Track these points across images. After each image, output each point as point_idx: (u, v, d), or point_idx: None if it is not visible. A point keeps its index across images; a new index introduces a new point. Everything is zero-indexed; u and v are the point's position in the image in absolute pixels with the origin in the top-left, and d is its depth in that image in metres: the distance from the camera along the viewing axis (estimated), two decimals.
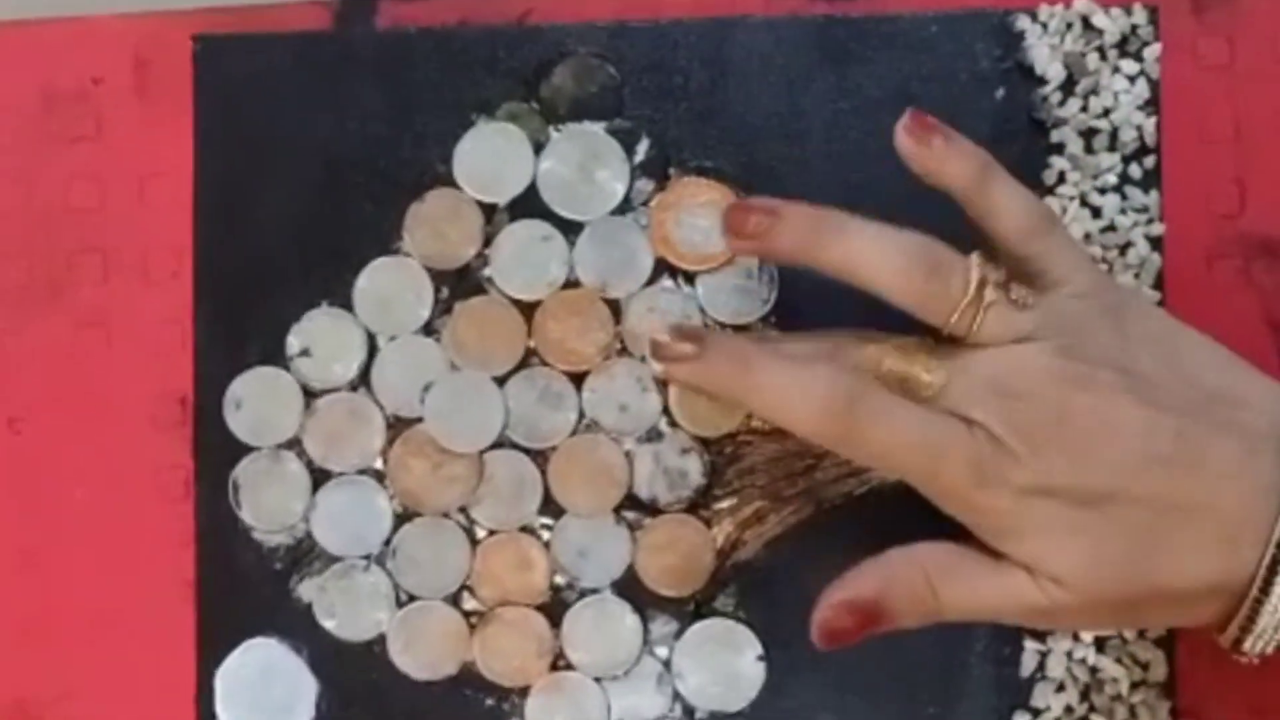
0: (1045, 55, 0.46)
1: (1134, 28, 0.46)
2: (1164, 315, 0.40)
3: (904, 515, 0.45)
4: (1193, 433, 0.36)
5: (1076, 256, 0.39)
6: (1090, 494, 0.36)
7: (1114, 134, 0.45)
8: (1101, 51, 0.46)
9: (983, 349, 0.38)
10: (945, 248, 0.38)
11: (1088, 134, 0.45)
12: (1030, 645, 0.45)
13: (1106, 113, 0.46)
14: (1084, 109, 0.46)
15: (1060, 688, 0.45)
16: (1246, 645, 0.37)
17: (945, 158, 0.39)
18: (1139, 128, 0.45)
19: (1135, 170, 0.45)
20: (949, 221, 0.45)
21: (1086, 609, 0.37)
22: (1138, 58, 0.46)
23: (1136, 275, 0.45)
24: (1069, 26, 0.46)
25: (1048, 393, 0.37)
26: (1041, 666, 0.45)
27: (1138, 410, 0.36)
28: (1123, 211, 0.45)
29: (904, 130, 0.39)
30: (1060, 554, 0.37)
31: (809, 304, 0.45)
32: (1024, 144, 0.46)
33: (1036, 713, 0.45)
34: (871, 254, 0.38)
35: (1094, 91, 0.46)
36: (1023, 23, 0.46)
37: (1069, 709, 0.45)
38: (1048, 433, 0.37)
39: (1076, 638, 0.45)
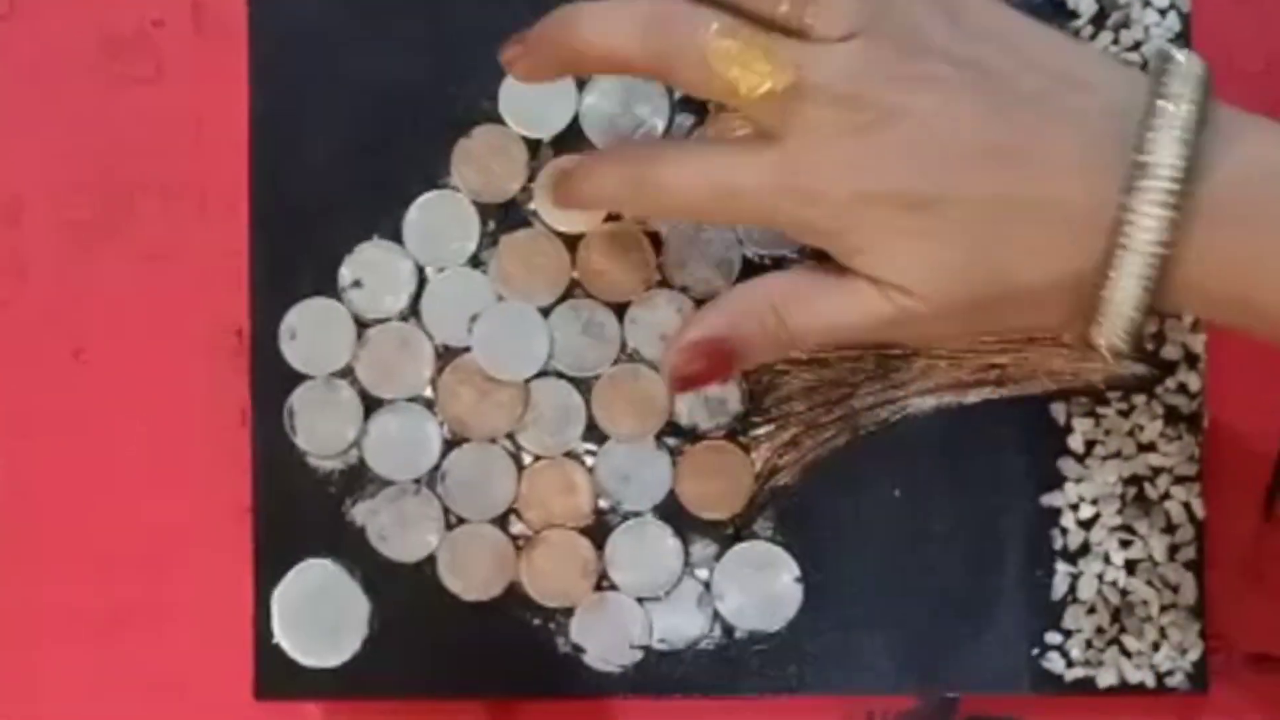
0: None
1: None
2: (1003, 4, 0.37)
3: (937, 440, 0.47)
4: (1027, 121, 0.35)
5: None
6: (923, 196, 0.35)
7: (1144, 67, 0.46)
8: None
9: (816, 48, 0.35)
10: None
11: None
12: (1062, 568, 0.46)
13: (1137, 45, 0.46)
14: (1115, 42, 0.46)
15: (1091, 610, 0.46)
16: (1094, 338, 0.36)
17: None
18: None
19: None
20: None
21: (938, 315, 0.36)
22: None
23: None
24: None
25: (882, 95, 0.35)
26: (1073, 589, 0.46)
27: (971, 104, 0.35)
28: None
29: None
30: (901, 260, 0.35)
31: None
32: None
33: (1068, 634, 0.46)
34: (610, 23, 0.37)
35: (1125, 25, 0.46)
36: None
37: (1100, 630, 0.46)
38: (878, 135, 0.35)
39: (1108, 560, 0.46)
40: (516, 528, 0.47)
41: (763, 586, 0.47)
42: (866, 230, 0.36)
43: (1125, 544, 0.46)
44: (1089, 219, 0.34)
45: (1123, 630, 0.46)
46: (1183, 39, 0.46)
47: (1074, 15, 0.46)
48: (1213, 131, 0.34)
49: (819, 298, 0.37)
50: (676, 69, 0.36)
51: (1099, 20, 0.46)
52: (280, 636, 0.47)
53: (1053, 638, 0.46)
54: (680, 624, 0.47)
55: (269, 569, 0.47)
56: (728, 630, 0.47)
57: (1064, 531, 0.46)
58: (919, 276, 0.35)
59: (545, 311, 0.47)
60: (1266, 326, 0.35)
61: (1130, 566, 0.46)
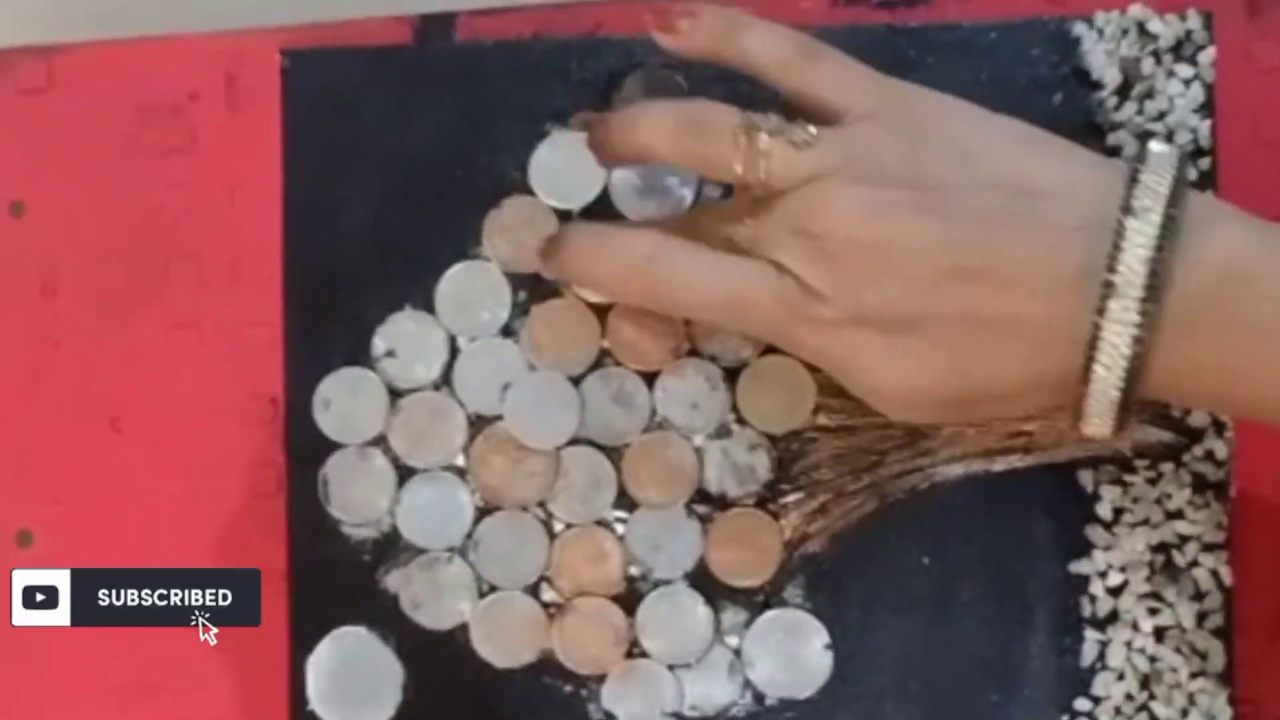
0: (1101, 60, 0.47)
1: (1189, 32, 0.47)
2: (963, 112, 0.39)
3: (965, 507, 0.47)
4: (991, 240, 0.35)
5: (855, 78, 0.39)
6: (899, 320, 0.36)
7: (1169, 137, 0.46)
8: (1157, 56, 0.47)
9: (780, 194, 0.38)
10: (712, 106, 0.39)
11: (1143, 137, 0.46)
12: (1090, 635, 0.46)
13: (1162, 116, 0.47)
14: (1140, 113, 0.47)
15: (1120, 676, 0.46)
16: (1085, 429, 0.37)
17: (693, 32, 0.40)
18: (1194, 130, 0.46)
19: (1191, 172, 0.46)
20: None
21: (921, 415, 0.39)
22: (1192, 62, 0.47)
23: None
24: (1124, 32, 0.47)
25: (842, 226, 0.36)
26: (1102, 656, 0.46)
27: (933, 227, 0.36)
28: None
29: (654, 29, 0.40)
30: (885, 376, 0.37)
31: None
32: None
33: (1097, 700, 0.46)
34: (643, 131, 0.39)
35: (1149, 95, 0.47)
36: (1079, 29, 0.47)
37: (1129, 697, 0.46)
38: (846, 265, 0.36)
39: (1136, 627, 0.46)
40: (548, 595, 0.47)
41: (793, 654, 0.47)
42: (853, 350, 0.38)
43: (1153, 611, 0.46)
44: (1061, 334, 0.35)
45: (1152, 697, 0.46)
46: (1206, 109, 0.46)
47: (1099, 86, 0.47)
48: (1184, 235, 0.34)
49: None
50: (714, 170, 0.40)
51: (1123, 91, 0.47)
52: (315, 703, 0.47)
53: (1082, 704, 0.46)
54: (711, 691, 0.47)
55: (304, 636, 0.48)
56: (758, 697, 0.47)
57: (1092, 599, 0.46)
58: (901, 389, 0.37)
59: (576, 380, 0.47)
60: (1251, 415, 0.36)
61: (1159, 633, 0.46)
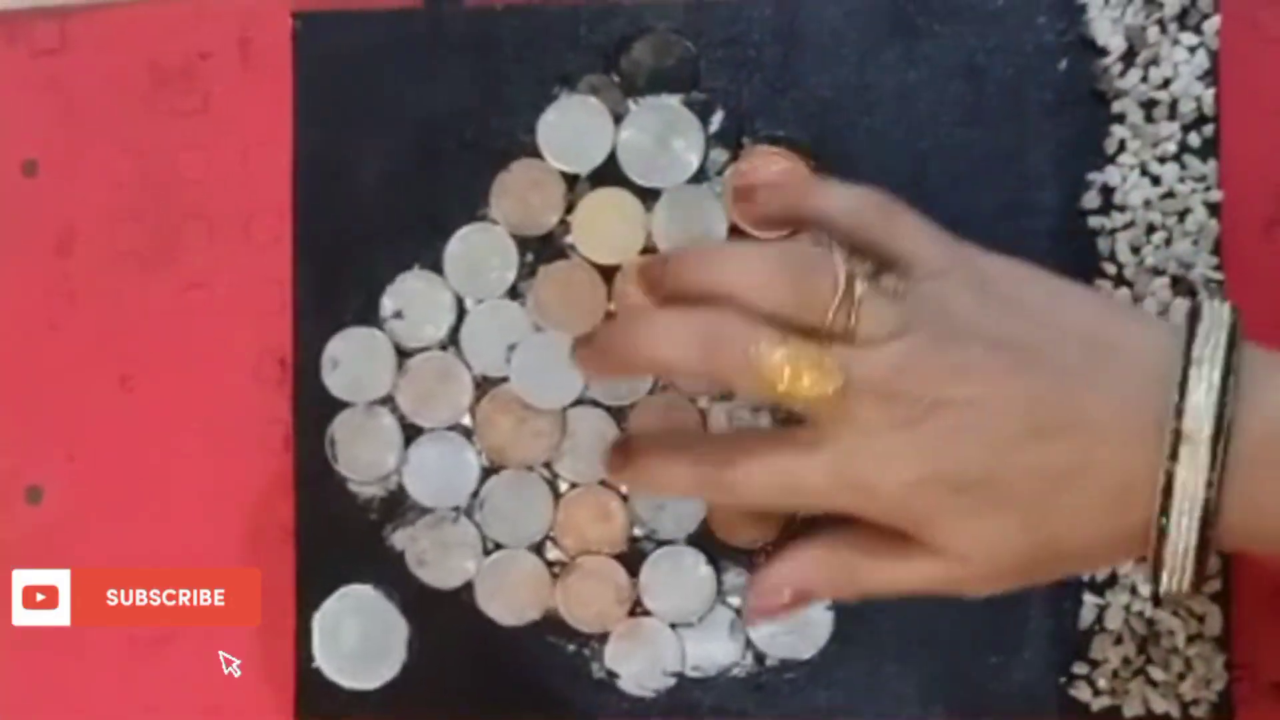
0: (1107, 28, 0.47)
1: (1194, 1, 0.47)
2: (1026, 272, 0.38)
3: None
4: (1066, 396, 0.36)
5: (924, 235, 0.38)
6: (970, 480, 0.36)
7: (1173, 104, 0.47)
8: (1162, 24, 0.47)
9: (862, 351, 0.36)
10: (810, 248, 0.38)
11: (1148, 104, 0.47)
12: (1089, 599, 0.47)
13: (1166, 83, 0.47)
14: (1144, 80, 0.47)
15: (1118, 640, 0.47)
16: (1165, 585, 0.37)
17: (767, 201, 0.41)
18: (1198, 98, 0.47)
19: (1194, 139, 0.47)
20: (1013, 186, 0.47)
21: (992, 578, 0.38)
22: (1197, 30, 0.47)
23: (1195, 242, 0.46)
24: (1130, 0, 0.47)
25: (925, 389, 0.36)
26: (1100, 619, 0.47)
27: (1010, 387, 0.36)
28: (1181, 179, 0.47)
29: (735, 202, 0.41)
30: (959, 536, 0.37)
31: None
32: (1086, 114, 0.47)
33: (1094, 664, 0.47)
34: (738, 273, 0.38)
35: (1154, 63, 0.47)
36: None
37: (1126, 661, 0.47)
38: (929, 426, 0.36)
39: (1134, 591, 0.46)
40: (553, 554, 0.48)
41: (794, 614, 0.47)
42: (920, 513, 0.37)
43: None
44: (1135, 484, 0.35)
45: (1149, 660, 0.47)
46: (1210, 76, 0.47)
47: (1104, 53, 0.47)
48: (1245, 381, 0.35)
49: (884, 561, 0.38)
50: (731, 379, 0.38)
51: (1128, 58, 0.47)
52: (320, 660, 0.48)
53: (1080, 667, 0.47)
54: (713, 650, 0.48)
55: (310, 592, 0.48)
56: (759, 657, 0.48)
57: None
58: (975, 549, 0.37)
59: None
60: None
61: (1156, 597, 0.46)
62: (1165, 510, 0.35)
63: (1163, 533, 0.35)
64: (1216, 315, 0.36)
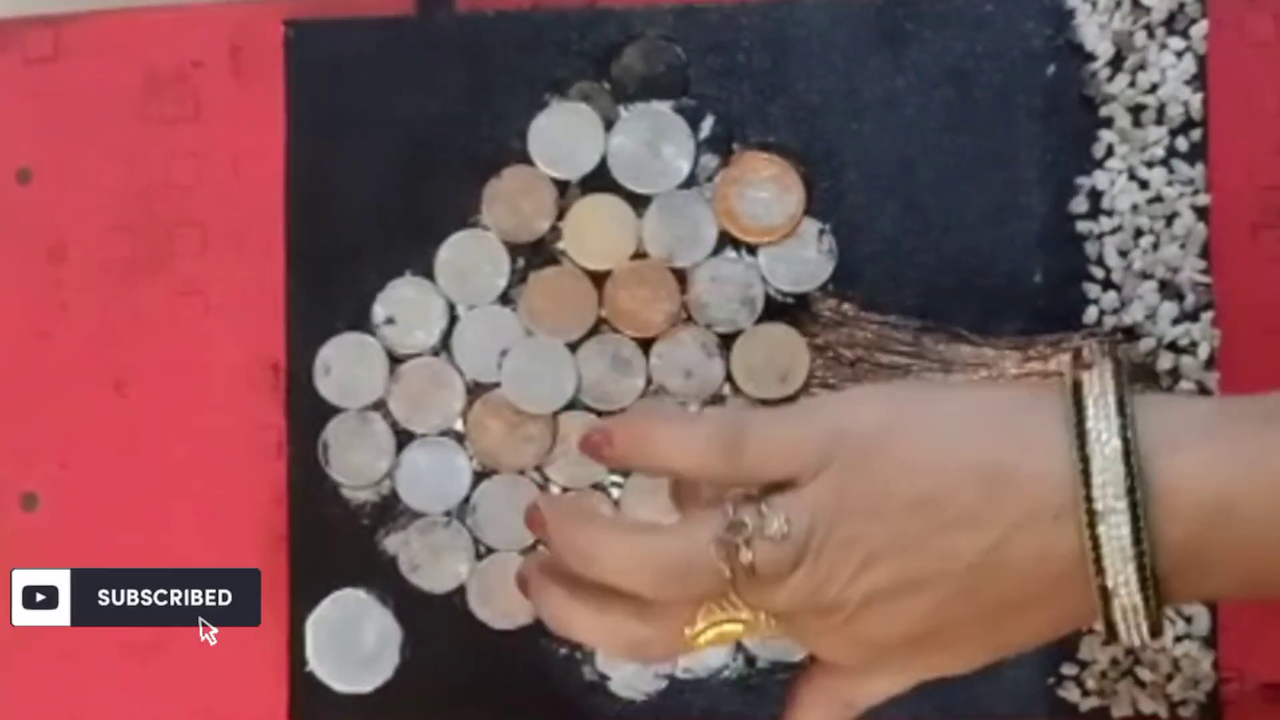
0: (1095, 33, 0.47)
1: (1181, 5, 0.47)
2: (906, 414, 0.37)
3: None
4: (985, 555, 0.36)
5: (785, 446, 0.37)
6: (921, 634, 0.37)
7: (1161, 109, 0.47)
8: (1149, 29, 0.47)
9: (773, 588, 0.37)
10: (685, 547, 0.37)
11: (1136, 109, 0.47)
12: None
13: (1154, 88, 0.47)
14: (1132, 85, 0.47)
15: (1106, 641, 0.47)
16: (1124, 642, 0.37)
17: (610, 455, 0.39)
18: (1185, 103, 0.47)
19: (1182, 143, 0.47)
20: (1001, 191, 0.47)
21: (964, 669, 0.38)
22: (1184, 35, 0.47)
23: (1183, 246, 0.47)
24: (1118, 5, 0.47)
25: (848, 593, 0.36)
26: None
27: (925, 553, 0.36)
28: (1169, 183, 0.47)
29: (582, 451, 0.39)
30: (919, 665, 0.38)
31: (867, 274, 0.47)
32: (1074, 119, 0.47)
33: (1084, 665, 0.47)
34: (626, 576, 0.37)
35: (1142, 67, 0.47)
36: (1073, 1, 0.47)
37: (1114, 661, 0.47)
38: (865, 618, 0.37)
39: None
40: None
41: None
42: (883, 663, 0.38)
43: None
44: (1070, 598, 0.35)
45: (1137, 662, 0.47)
46: (1198, 81, 0.47)
47: (1092, 58, 0.47)
48: (1148, 443, 0.35)
49: (871, 683, 0.39)
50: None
51: (1116, 62, 0.47)
52: (314, 663, 0.48)
53: (1068, 668, 0.47)
54: (704, 653, 0.48)
55: (304, 597, 0.49)
56: (750, 660, 0.48)
57: None
58: (938, 666, 0.38)
59: (573, 347, 0.48)
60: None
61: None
62: (1101, 576, 0.35)
63: (1107, 600, 0.35)
64: (1102, 385, 0.36)
